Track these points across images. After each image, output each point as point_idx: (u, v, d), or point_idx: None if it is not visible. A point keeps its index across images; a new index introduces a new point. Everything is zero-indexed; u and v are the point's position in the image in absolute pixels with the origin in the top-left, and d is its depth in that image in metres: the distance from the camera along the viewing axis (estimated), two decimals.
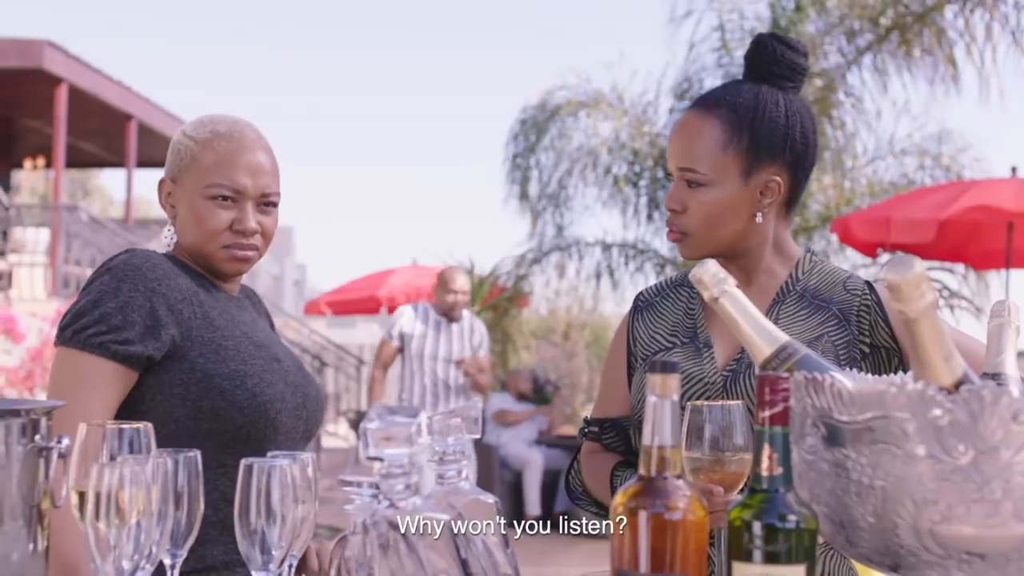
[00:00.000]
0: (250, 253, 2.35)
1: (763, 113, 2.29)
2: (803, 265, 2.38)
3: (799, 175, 2.34)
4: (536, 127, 16.08)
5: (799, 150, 2.31)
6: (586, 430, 2.48)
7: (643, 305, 2.47)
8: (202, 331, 2.24)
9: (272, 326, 2.59)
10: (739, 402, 1.88)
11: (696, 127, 2.31)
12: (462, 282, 8.35)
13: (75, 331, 2.18)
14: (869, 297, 2.30)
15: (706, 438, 1.84)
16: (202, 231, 2.33)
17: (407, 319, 8.35)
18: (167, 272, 2.24)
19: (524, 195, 16.32)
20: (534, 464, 12.28)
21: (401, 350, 8.34)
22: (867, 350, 2.27)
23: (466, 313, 8.49)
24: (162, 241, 2.38)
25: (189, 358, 2.21)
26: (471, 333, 8.45)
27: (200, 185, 2.32)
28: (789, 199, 2.35)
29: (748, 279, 2.35)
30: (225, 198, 2.32)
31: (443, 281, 8.38)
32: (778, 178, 2.29)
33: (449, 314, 8.28)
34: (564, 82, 15.97)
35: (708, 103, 2.35)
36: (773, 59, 2.33)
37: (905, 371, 1.99)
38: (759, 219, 2.31)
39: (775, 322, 2.23)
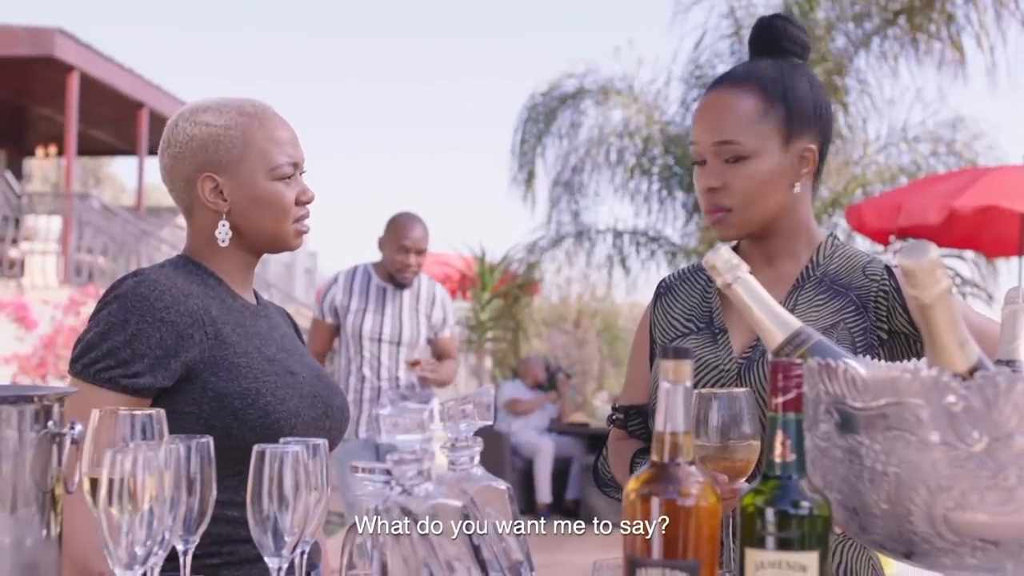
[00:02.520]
0: (309, 221, 2.41)
1: (792, 83, 2.30)
2: (824, 249, 2.35)
3: (825, 147, 2.35)
4: (545, 115, 16.07)
5: (826, 121, 2.34)
6: (613, 417, 2.48)
7: (663, 291, 2.47)
8: (214, 351, 2.22)
9: (300, 336, 2.59)
10: (746, 390, 1.88)
11: (728, 102, 2.29)
12: (419, 234, 6.00)
13: (84, 365, 2.17)
14: (887, 282, 2.26)
15: (713, 426, 1.84)
16: (278, 212, 2.34)
17: (340, 287, 6.11)
18: (176, 297, 2.21)
19: (530, 183, 16.33)
20: (545, 452, 12.29)
21: (338, 329, 6.14)
22: (885, 336, 2.23)
23: (423, 278, 6.21)
24: (220, 237, 2.33)
25: (201, 378, 2.20)
26: (431, 304, 6.17)
27: (264, 168, 2.33)
28: (819, 170, 2.36)
29: (770, 262, 2.33)
30: (288, 176, 2.35)
31: (393, 231, 6.02)
32: (813, 147, 2.30)
33: (398, 278, 6.00)
34: (573, 69, 15.97)
35: (735, 79, 2.33)
36: (784, 35, 2.35)
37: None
38: (797, 189, 2.30)
39: (792, 308, 2.22)
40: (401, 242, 5.93)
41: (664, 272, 16.33)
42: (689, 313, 2.38)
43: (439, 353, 6.25)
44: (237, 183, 2.32)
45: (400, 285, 6.02)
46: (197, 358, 2.19)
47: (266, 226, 2.35)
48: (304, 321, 18.47)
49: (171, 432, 1.60)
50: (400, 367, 5.99)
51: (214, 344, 2.22)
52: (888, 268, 2.29)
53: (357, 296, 6.02)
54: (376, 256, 6.14)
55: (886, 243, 10.07)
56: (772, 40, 2.35)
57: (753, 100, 2.28)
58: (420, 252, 5.99)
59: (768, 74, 2.31)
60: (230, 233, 2.34)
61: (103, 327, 2.18)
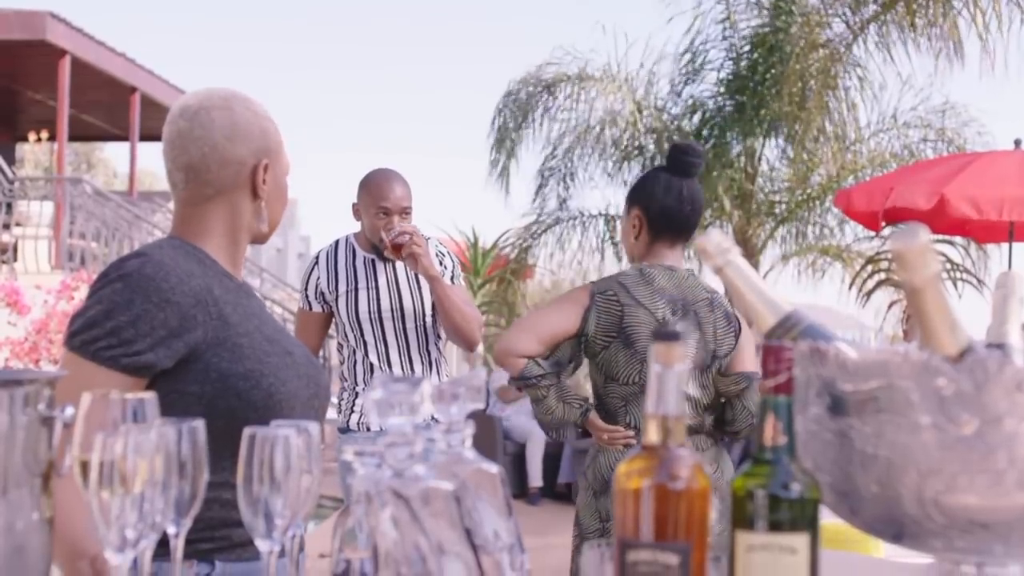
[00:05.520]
0: None
1: (639, 180, 4.08)
2: None
3: (658, 218, 3.90)
4: (528, 100, 16.09)
5: (653, 202, 3.90)
6: None
7: None
8: (217, 331, 2.24)
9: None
10: None
11: None
12: (400, 192, 4.92)
13: (84, 341, 2.18)
14: None
15: None
16: (284, 206, 2.52)
17: (322, 269, 5.10)
18: (180, 278, 2.23)
19: (505, 171, 16.37)
20: (537, 436, 12.30)
21: (331, 316, 5.14)
22: None
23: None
24: (260, 223, 2.45)
25: (204, 359, 2.21)
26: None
27: (286, 164, 2.48)
28: (653, 229, 3.92)
29: None
30: None
31: (369, 194, 4.95)
32: (639, 215, 3.94)
33: (382, 250, 4.92)
34: (563, 53, 15.97)
35: None
36: (675, 160, 3.98)
37: None
38: (633, 240, 3.97)
39: None
40: (380, 204, 4.88)
41: None
42: None
43: None
44: (274, 173, 2.43)
45: (387, 257, 4.93)
46: (201, 339, 2.21)
47: (276, 217, 2.48)
48: (296, 305, 18.44)
49: (172, 413, 1.61)
50: (411, 343, 5.02)
51: (218, 325, 2.23)
52: None
53: (344, 275, 5.04)
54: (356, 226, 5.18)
55: (877, 228, 10.08)
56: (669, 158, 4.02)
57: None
58: (405, 213, 4.90)
59: (638, 179, 4.10)
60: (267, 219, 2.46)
61: (107, 305, 2.18)
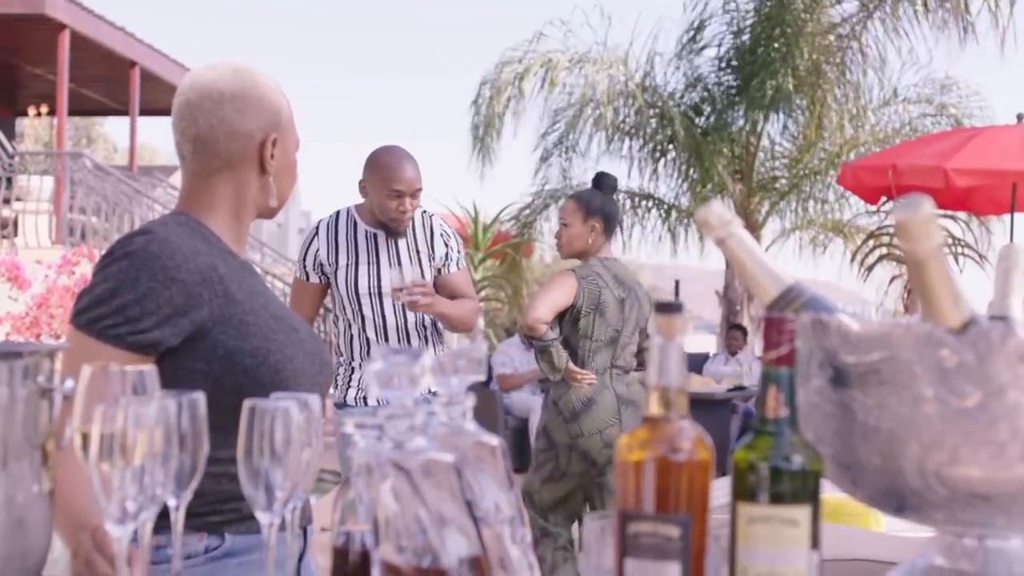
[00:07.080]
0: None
1: (589, 197, 5.62)
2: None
3: (612, 224, 5.62)
4: (513, 82, 16.12)
5: (610, 214, 5.59)
6: None
7: None
8: (223, 309, 2.24)
9: None
10: None
11: (570, 206, 5.67)
12: (412, 174, 4.85)
13: (91, 319, 2.18)
14: None
15: None
16: (293, 183, 2.51)
17: (322, 240, 5.01)
18: (186, 255, 2.22)
19: (484, 148, 16.40)
20: (539, 411, 12.30)
21: (327, 288, 5.08)
22: None
23: (418, 216, 5.03)
24: (270, 198, 2.44)
25: (211, 336, 2.21)
26: (429, 240, 5.03)
27: (295, 140, 2.46)
28: (607, 232, 5.60)
29: None
30: None
31: (379, 174, 4.86)
32: (600, 223, 5.57)
33: (392, 227, 4.92)
34: (562, 33, 15.96)
35: (575, 195, 5.78)
36: (603, 184, 5.73)
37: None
38: (590, 241, 5.57)
39: None
40: (392, 187, 4.80)
41: (658, 230, 16.37)
42: None
43: (451, 295, 5.04)
44: (283, 148, 2.41)
45: (394, 233, 4.92)
46: (207, 316, 2.21)
47: (284, 193, 2.47)
48: None
49: (179, 388, 1.60)
50: (409, 319, 4.95)
51: (223, 302, 2.24)
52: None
53: (344, 248, 4.96)
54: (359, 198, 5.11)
55: (876, 202, 10.06)
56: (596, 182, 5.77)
57: (575, 204, 5.65)
58: (416, 193, 4.85)
59: (584, 195, 5.66)
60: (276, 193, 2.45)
61: (113, 283, 2.18)
